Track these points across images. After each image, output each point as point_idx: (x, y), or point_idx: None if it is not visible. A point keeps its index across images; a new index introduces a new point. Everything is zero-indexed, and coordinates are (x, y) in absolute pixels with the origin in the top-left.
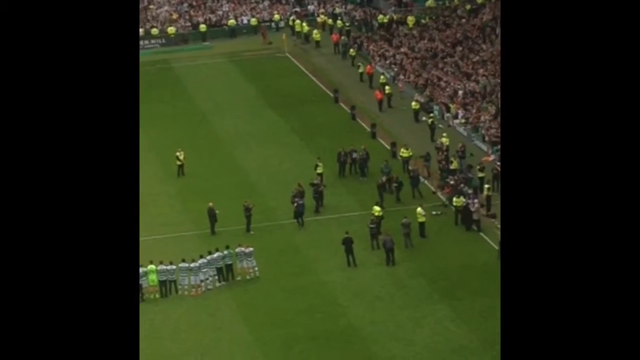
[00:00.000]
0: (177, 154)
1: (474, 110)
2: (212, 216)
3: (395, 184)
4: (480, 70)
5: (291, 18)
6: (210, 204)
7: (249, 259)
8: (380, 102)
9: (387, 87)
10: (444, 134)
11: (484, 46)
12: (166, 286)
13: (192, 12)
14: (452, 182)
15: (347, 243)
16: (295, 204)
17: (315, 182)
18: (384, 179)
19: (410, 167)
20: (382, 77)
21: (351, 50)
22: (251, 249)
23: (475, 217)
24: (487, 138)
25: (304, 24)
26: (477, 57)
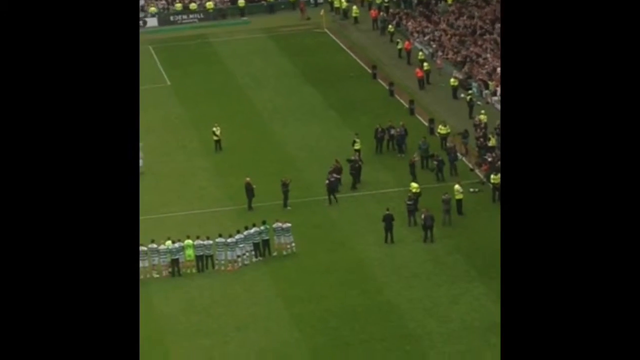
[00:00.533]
0: (214, 129)
1: None
2: (250, 191)
3: (435, 162)
4: None
5: None
6: (248, 179)
7: (287, 234)
8: (420, 80)
9: (425, 64)
10: (482, 111)
11: None
12: (203, 261)
13: None
14: (489, 159)
15: (388, 220)
16: (328, 180)
17: (353, 158)
18: (415, 157)
19: (447, 144)
20: (420, 53)
21: (390, 26)
22: (289, 224)
23: None
24: None
25: (343, 0)
26: None
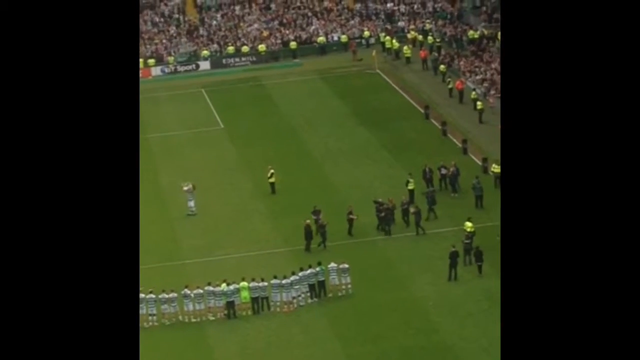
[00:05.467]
0: (271, 171)
1: None
2: (309, 233)
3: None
4: None
5: (381, 34)
6: (308, 221)
7: (344, 275)
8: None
9: (479, 103)
10: None
11: None
12: (258, 303)
13: (282, 30)
14: None
15: (453, 257)
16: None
17: (380, 200)
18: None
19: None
20: (473, 93)
21: (441, 66)
22: (346, 265)
23: None
24: None
25: (394, 40)
26: None
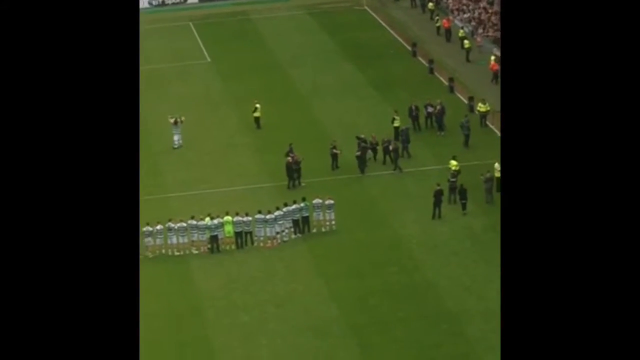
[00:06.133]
0: (256, 106)
1: None
2: (291, 170)
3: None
4: None
5: None
6: (289, 158)
7: (328, 211)
8: (495, 74)
9: (466, 42)
10: None
11: None
12: (242, 237)
13: None
14: None
15: (438, 195)
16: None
17: (362, 136)
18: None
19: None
20: (460, 31)
21: (430, 3)
22: (332, 201)
23: None
24: None
25: None
26: None
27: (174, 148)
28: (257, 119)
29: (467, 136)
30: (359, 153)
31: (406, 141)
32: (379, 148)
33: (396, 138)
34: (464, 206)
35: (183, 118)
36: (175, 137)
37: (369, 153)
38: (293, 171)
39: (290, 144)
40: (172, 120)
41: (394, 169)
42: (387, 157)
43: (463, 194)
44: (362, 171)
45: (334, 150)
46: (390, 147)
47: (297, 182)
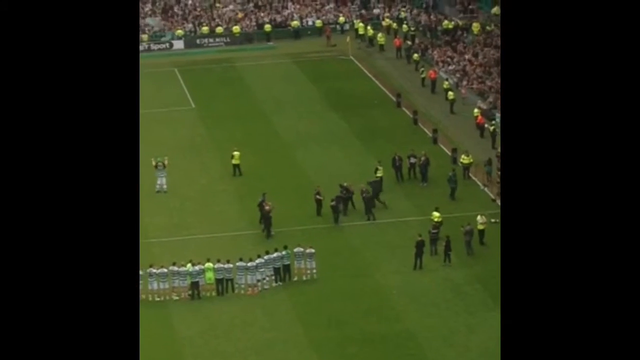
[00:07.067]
0: (233, 153)
1: None
2: (267, 218)
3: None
4: None
5: (356, 21)
6: (267, 207)
7: (309, 259)
8: (480, 126)
9: (450, 93)
10: None
11: None
12: (223, 284)
13: (257, 12)
14: None
15: (419, 246)
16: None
17: (345, 185)
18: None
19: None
20: (445, 83)
21: (415, 54)
22: (312, 250)
23: None
24: None
25: (369, 27)
26: None
27: (157, 192)
28: (236, 166)
29: (453, 189)
30: (333, 203)
31: (376, 192)
32: (357, 197)
33: (380, 188)
34: (448, 257)
35: (166, 161)
36: (159, 181)
37: (345, 202)
38: (268, 220)
39: (264, 193)
40: (154, 163)
41: (367, 218)
42: (365, 207)
43: (448, 245)
44: (336, 221)
45: (318, 197)
46: (363, 196)
47: (265, 231)
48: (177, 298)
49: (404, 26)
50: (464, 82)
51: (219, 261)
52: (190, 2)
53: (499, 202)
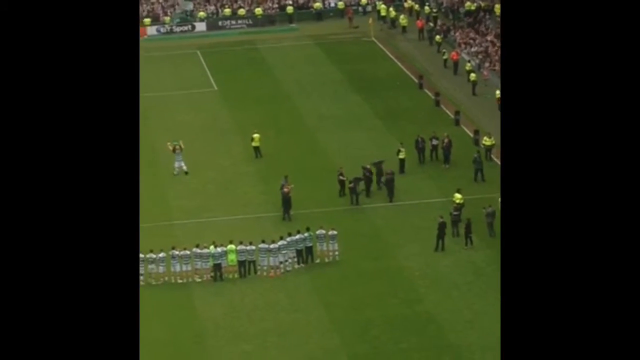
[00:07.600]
0: (253, 135)
1: None
2: (287, 201)
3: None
4: None
5: (378, 2)
6: (285, 189)
7: (331, 241)
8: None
9: (472, 75)
10: None
11: None
12: (245, 266)
13: None
14: None
15: (441, 228)
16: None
17: (368, 166)
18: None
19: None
20: (467, 64)
21: (437, 36)
22: (335, 232)
23: None
24: None
25: (391, 9)
26: None
27: (175, 174)
28: (256, 148)
29: (478, 170)
30: (351, 185)
31: (379, 174)
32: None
33: (402, 170)
34: (470, 239)
35: (182, 144)
36: (176, 164)
37: (361, 185)
38: (288, 202)
39: (285, 176)
40: (170, 148)
41: (390, 200)
42: (384, 188)
43: (469, 227)
44: (354, 202)
45: (341, 177)
46: (382, 179)
47: (285, 214)
48: (199, 280)
49: (426, 8)
50: (486, 64)
51: (241, 243)
52: None
53: None
